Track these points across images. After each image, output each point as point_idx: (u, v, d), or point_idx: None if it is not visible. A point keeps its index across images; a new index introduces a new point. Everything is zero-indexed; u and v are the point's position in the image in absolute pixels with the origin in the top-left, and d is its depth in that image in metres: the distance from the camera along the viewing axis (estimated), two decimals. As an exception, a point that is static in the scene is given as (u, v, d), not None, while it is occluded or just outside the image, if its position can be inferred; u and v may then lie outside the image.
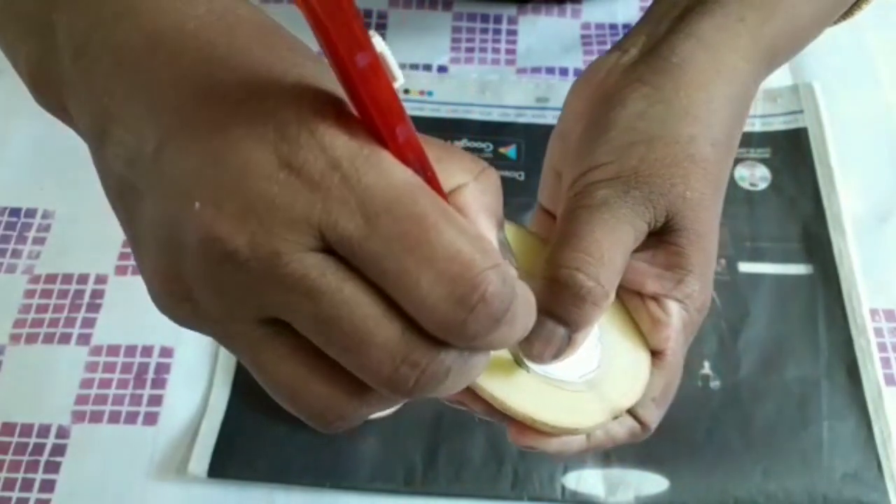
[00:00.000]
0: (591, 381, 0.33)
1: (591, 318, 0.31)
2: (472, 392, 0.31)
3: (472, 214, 0.26)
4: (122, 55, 0.26)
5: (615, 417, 0.32)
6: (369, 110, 0.24)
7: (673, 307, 0.33)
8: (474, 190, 0.26)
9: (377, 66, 0.23)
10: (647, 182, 0.32)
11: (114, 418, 0.49)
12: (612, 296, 0.32)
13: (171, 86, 0.25)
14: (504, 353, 0.31)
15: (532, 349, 0.31)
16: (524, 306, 0.25)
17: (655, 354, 0.34)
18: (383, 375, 0.24)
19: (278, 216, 0.23)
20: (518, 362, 0.31)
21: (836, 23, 0.47)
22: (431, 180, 0.25)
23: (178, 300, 0.26)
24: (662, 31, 0.36)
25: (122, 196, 0.26)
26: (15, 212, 0.57)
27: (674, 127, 0.33)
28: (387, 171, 0.24)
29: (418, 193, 0.24)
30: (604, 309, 0.32)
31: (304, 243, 0.23)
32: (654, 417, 0.34)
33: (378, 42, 0.23)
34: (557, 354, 0.32)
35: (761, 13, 0.36)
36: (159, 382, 0.51)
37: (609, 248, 0.31)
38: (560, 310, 0.31)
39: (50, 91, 0.29)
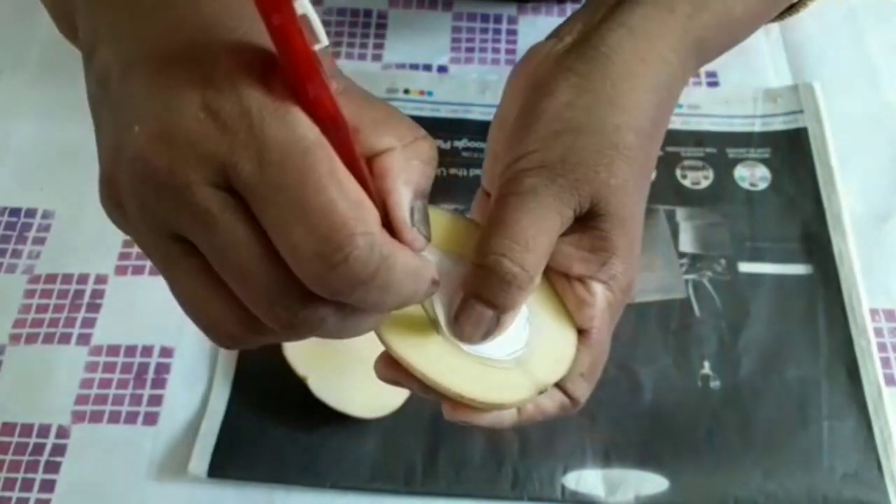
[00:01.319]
0: (519, 359, 0.34)
1: (517, 301, 0.33)
2: (406, 371, 0.33)
3: (388, 180, 0.28)
4: None
5: (541, 392, 0.34)
6: (285, 67, 0.26)
7: (597, 288, 0.35)
8: (398, 156, 0.28)
9: (291, 25, 0.24)
10: (572, 170, 0.34)
11: (114, 418, 0.49)
12: (538, 280, 0.34)
13: (143, 23, 0.29)
14: (437, 333, 0.33)
15: (462, 331, 0.33)
16: (404, 275, 0.28)
17: (582, 333, 0.35)
18: (260, 310, 0.27)
19: (193, 151, 0.26)
20: (451, 343, 0.33)
21: (779, 19, 0.47)
22: (343, 140, 0.27)
23: (114, 205, 0.29)
24: (596, 20, 0.37)
25: (94, 108, 0.30)
26: (15, 212, 0.57)
27: (600, 117, 0.35)
28: (289, 124, 0.26)
29: (312, 149, 0.26)
30: (529, 292, 0.34)
31: (211, 179, 0.26)
32: (582, 391, 0.36)
33: (302, 4, 0.24)
34: (486, 335, 0.33)
35: (692, 5, 0.38)
36: (159, 382, 0.51)
37: (535, 235, 0.33)
38: (488, 293, 0.33)
39: (65, 16, 0.34)
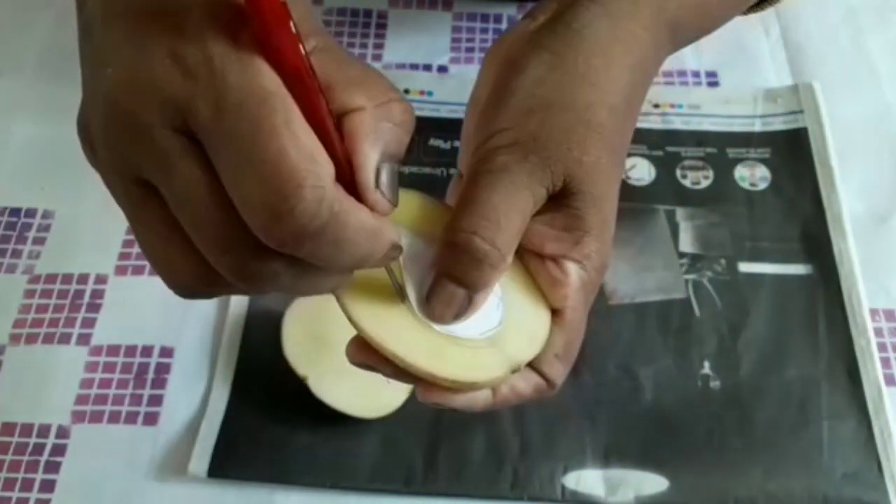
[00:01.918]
0: (492, 338, 0.34)
1: (488, 280, 0.33)
2: (378, 354, 0.32)
3: (355, 139, 0.28)
4: None
5: (514, 371, 0.34)
6: (251, 16, 0.26)
7: (571, 267, 0.34)
8: (368, 116, 0.28)
9: None
10: (545, 147, 0.33)
11: (114, 418, 0.49)
12: (510, 258, 0.33)
13: None
14: (410, 314, 0.33)
15: (434, 310, 0.33)
16: (358, 234, 0.28)
17: (556, 313, 0.35)
18: (212, 258, 0.28)
19: (156, 94, 0.27)
20: (423, 324, 0.33)
21: (750, 12, 0.47)
22: (308, 94, 0.27)
23: (86, 145, 0.30)
24: (570, 0, 0.37)
25: (80, 55, 0.31)
26: (15, 212, 0.57)
27: (571, 93, 0.34)
28: (249, 72, 0.26)
29: (269, 99, 0.26)
30: (501, 271, 0.33)
31: (172, 122, 0.27)
32: (557, 373, 0.35)
33: None
34: (458, 315, 0.33)
35: None
36: (159, 382, 0.51)
37: (506, 213, 0.33)
38: (459, 272, 0.33)
39: None
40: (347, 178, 0.28)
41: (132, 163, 0.28)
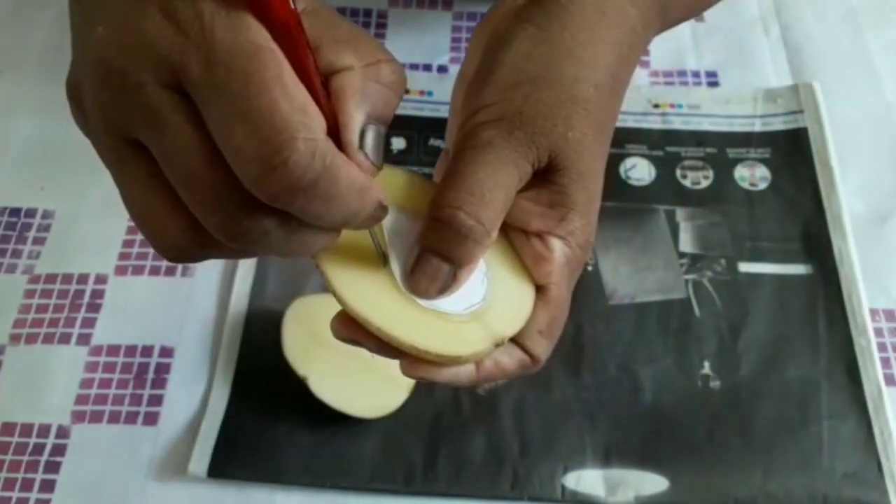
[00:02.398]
0: (476, 313, 0.34)
1: (473, 255, 0.33)
2: (363, 329, 0.32)
3: (341, 99, 0.28)
4: None
5: (497, 345, 0.34)
6: None
7: (556, 243, 0.34)
8: (355, 76, 0.28)
9: None
10: (530, 123, 0.33)
11: (114, 418, 0.49)
12: (495, 234, 0.33)
13: None
14: (394, 288, 0.33)
15: (418, 285, 0.33)
16: (348, 189, 0.27)
17: (540, 289, 0.35)
18: (203, 216, 0.28)
19: (147, 51, 0.27)
20: (407, 298, 0.33)
21: None
22: (296, 50, 0.27)
23: (76, 106, 0.30)
24: None
25: (70, 12, 0.31)
26: (15, 212, 0.57)
27: (557, 68, 0.34)
28: (239, 28, 0.26)
29: (259, 53, 0.26)
30: (485, 246, 0.33)
31: (163, 79, 0.27)
32: (541, 349, 0.35)
33: None
34: (443, 290, 0.33)
35: None
36: (159, 382, 0.51)
37: (491, 189, 0.32)
38: (444, 247, 0.33)
39: None
40: (335, 136, 0.28)
41: (123, 121, 0.28)
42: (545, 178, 0.34)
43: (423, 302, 0.33)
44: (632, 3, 0.36)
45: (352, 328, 0.33)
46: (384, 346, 0.33)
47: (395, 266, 0.34)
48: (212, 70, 0.26)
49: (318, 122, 0.27)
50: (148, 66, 0.27)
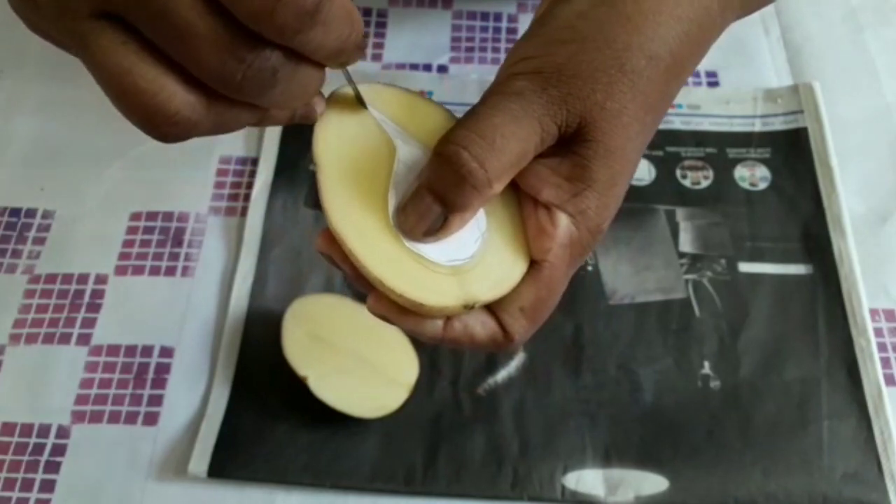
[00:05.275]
0: (457, 269, 0.32)
1: (468, 202, 0.31)
2: (341, 251, 0.31)
3: None
4: None
5: (467, 307, 0.32)
6: None
7: (562, 219, 0.32)
8: None
9: None
10: (567, 82, 0.31)
11: (114, 418, 0.49)
12: (498, 187, 0.31)
13: None
14: (384, 221, 0.32)
15: (406, 221, 0.31)
16: (342, 13, 0.27)
17: (534, 265, 0.33)
18: (211, 67, 0.26)
19: None
20: (394, 235, 0.32)
21: None
22: None
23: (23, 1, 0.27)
24: None
25: None
26: (15, 212, 0.57)
27: (611, 31, 0.32)
28: None
29: None
30: (484, 197, 0.31)
31: None
32: (518, 327, 0.33)
33: None
34: (429, 233, 0.31)
35: None
36: (159, 382, 0.51)
37: (505, 136, 0.30)
38: (439, 186, 0.31)
39: None
40: None
41: None
42: (570, 147, 0.32)
43: (407, 244, 0.32)
44: None
45: (332, 246, 0.31)
46: (357, 276, 0.31)
47: (392, 199, 0.32)
48: None
49: None
50: None
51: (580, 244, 0.33)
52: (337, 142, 0.33)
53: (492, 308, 0.33)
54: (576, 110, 0.31)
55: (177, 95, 0.27)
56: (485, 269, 0.33)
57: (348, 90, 0.35)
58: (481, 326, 0.33)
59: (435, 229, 0.31)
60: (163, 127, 0.27)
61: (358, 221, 0.32)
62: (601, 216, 0.32)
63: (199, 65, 0.26)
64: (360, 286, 0.32)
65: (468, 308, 0.32)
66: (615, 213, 0.33)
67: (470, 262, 0.33)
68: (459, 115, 0.64)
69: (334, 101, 0.35)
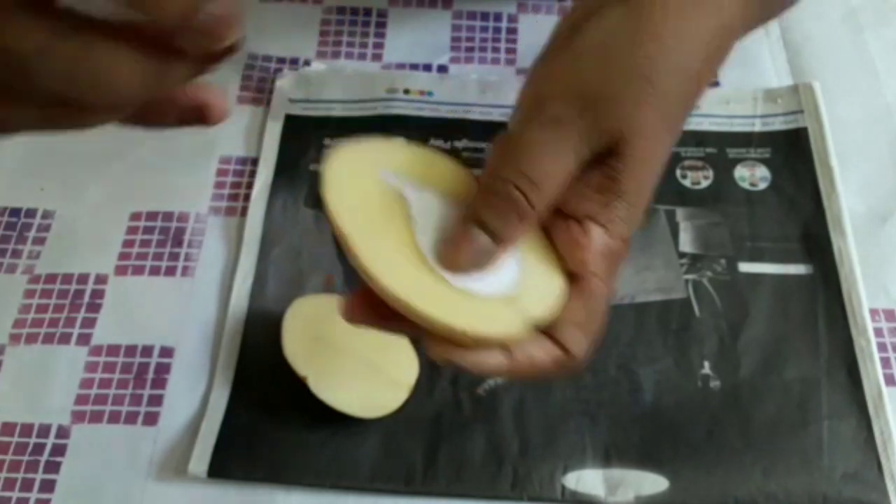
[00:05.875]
0: (507, 297, 0.33)
1: (516, 233, 0.32)
2: (392, 310, 0.31)
3: None
4: None
5: (529, 329, 0.32)
6: None
7: (594, 230, 0.33)
8: None
9: None
10: (600, 104, 0.32)
11: (114, 418, 0.49)
12: (541, 216, 0.32)
13: None
14: (423, 266, 0.32)
15: (456, 256, 0.32)
16: None
17: (576, 279, 0.33)
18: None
19: None
20: (437, 276, 0.32)
21: None
22: None
23: None
24: None
25: None
26: (15, 212, 0.57)
27: (640, 48, 0.33)
28: None
29: None
30: (531, 226, 0.32)
31: None
32: (577, 343, 0.33)
33: None
34: (481, 264, 0.32)
35: None
36: (159, 382, 0.51)
37: (546, 170, 0.31)
38: (490, 219, 0.32)
39: None
40: None
41: None
42: (599, 158, 0.33)
43: (454, 282, 0.32)
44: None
45: (368, 310, 0.31)
46: (414, 326, 0.31)
47: (424, 239, 0.32)
48: None
49: None
50: None
51: (616, 253, 0.33)
52: (350, 198, 0.33)
53: (547, 332, 0.33)
54: (608, 131, 0.32)
55: (99, 62, 0.25)
56: (531, 290, 0.33)
57: (349, 144, 0.35)
58: (544, 352, 0.33)
59: (486, 260, 0.32)
60: (123, 100, 0.27)
61: (402, 273, 0.32)
62: (631, 223, 0.33)
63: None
64: (411, 334, 0.32)
65: (530, 331, 0.32)
66: (640, 222, 0.34)
67: (515, 289, 0.33)
68: (459, 114, 0.64)
69: (337, 155, 0.34)
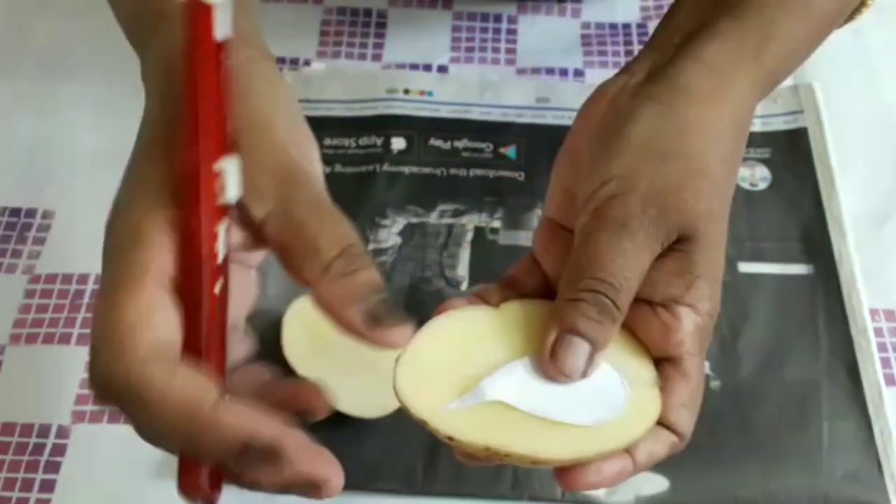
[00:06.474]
0: (614, 404, 0.34)
1: (609, 336, 0.33)
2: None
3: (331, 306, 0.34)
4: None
5: (647, 427, 0.33)
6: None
7: (683, 312, 0.34)
8: (332, 283, 0.33)
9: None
10: (662, 196, 0.34)
11: (114, 418, 0.49)
12: (625, 316, 0.34)
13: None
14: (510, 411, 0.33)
15: (565, 362, 0.33)
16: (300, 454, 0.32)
17: (673, 361, 0.35)
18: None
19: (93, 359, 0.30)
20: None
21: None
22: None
23: None
24: (668, 57, 0.37)
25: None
26: (15, 212, 0.57)
27: (686, 143, 0.35)
28: (122, 370, 0.29)
29: (133, 380, 0.29)
30: (618, 328, 0.34)
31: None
32: (685, 423, 0.35)
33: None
34: (587, 370, 0.33)
35: (758, 37, 0.38)
36: (159, 382, 0.50)
37: (626, 275, 0.33)
38: (584, 326, 0.33)
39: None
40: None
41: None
42: (671, 246, 0.34)
43: (557, 414, 0.33)
44: (748, 83, 0.37)
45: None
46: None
47: (523, 368, 0.33)
48: (123, 409, 0.30)
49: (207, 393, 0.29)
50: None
51: (705, 328, 0.35)
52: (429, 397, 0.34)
53: (659, 421, 0.34)
54: (674, 223, 0.34)
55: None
56: (633, 387, 0.34)
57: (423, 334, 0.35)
58: (660, 444, 0.34)
59: (589, 366, 0.33)
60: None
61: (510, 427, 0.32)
62: (714, 299, 0.35)
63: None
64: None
65: (647, 429, 0.33)
66: (720, 295, 0.36)
67: (618, 391, 0.34)
68: (459, 114, 0.63)
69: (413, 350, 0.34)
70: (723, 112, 0.36)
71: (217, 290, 0.30)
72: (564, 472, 0.33)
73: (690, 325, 0.34)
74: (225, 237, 0.29)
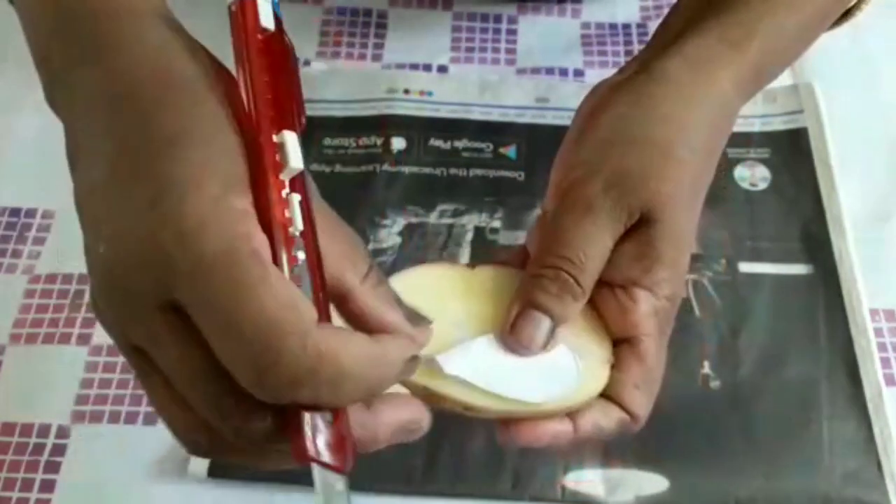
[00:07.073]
0: (565, 370, 0.35)
1: (572, 311, 0.35)
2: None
3: (375, 315, 0.30)
4: (89, 100, 0.34)
5: (592, 395, 0.34)
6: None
7: (641, 294, 0.35)
8: (368, 292, 0.30)
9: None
10: (624, 179, 0.35)
11: (114, 418, 0.49)
12: (588, 294, 0.35)
13: (113, 141, 0.33)
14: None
15: (522, 335, 0.34)
16: (358, 365, 0.27)
17: (629, 342, 0.36)
18: (215, 424, 0.28)
19: (143, 272, 0.27)
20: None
21: (833, 27, 0.48)
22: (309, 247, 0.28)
23: (98, 317, 0.30)
24: (657, 54, 0.39)
25: (78, 216, 0.33)
26: (15, 212, 0.57)
27: (652, 129, 0.36)
28: (215, 237, 0.26)
29: (239, 259, 0.26)
30: (581, 305, 0.35)
31: (159, 302, 0.27)
32: (639, 405, 0.36)
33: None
34: (542, 343, 0.34)
35: (742, 30, 0.39)
36: (159, 382, 0.50)
37: (587, 253, 0.35)
38: (547, 301, 0.34)
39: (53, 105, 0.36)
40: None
41: (130, 336, 0.29)
42: (633, 229, 0.35)
43: (507, 364, 0.34)
44: (728, 78, 0.38)
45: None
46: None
47: (484, 344, 0.35)
48: (197, 287, 0.26)
49: (308, 314, 0.27)
50: (143, 287, 0.27)
51: (663, 312, 0.36)
52: None
53: (609, 396, 0.35)
54: (636, 204, 0.35)
55: (201, 436, 0.29)
56: (587, 360, 0.35)
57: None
58: (608, 417, 0.35)
59: (548, 340, 0.35)
60: (188, 449, 0.30)
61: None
62: (674, 284, 0.36)
63: (207, 417, 0.28)
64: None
65: (593, 397, 0.35)
66: (684, 281, 0.37)
67: (573, 361, 0.35)
68: (459, 114, 0.64)
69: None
70: (696, 104, 0.37)
71: (301, 257, 0.28)
72: (503, 424, 0.34)
73: (648, 308, 0.35)
74: (300, 206, 0.28)
